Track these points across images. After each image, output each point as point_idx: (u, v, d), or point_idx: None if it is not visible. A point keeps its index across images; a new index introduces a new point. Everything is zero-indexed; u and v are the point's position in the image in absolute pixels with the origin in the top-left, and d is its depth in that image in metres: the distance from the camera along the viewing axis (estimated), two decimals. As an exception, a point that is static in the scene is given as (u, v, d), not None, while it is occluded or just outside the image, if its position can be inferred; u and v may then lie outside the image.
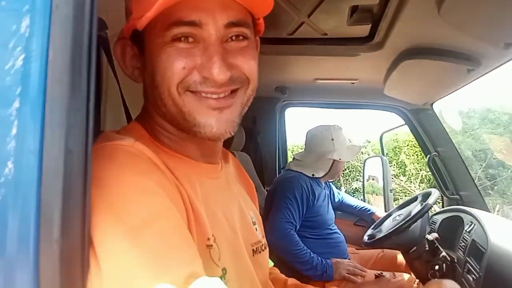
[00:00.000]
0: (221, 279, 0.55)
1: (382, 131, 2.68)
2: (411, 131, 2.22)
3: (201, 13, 0.54)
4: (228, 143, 1.97)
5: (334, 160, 1.87)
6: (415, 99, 2.03)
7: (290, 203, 1.72)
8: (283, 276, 0.93)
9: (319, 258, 1.65)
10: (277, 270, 0.94)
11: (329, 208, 1.91)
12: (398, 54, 1.54)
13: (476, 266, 1.31)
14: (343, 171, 9.96)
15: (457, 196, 2.06)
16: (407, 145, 9.44)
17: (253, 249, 0.69)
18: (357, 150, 1.90)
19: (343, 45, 1.57)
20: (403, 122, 2.29)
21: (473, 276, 1.30)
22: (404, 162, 9.18)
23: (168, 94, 0.56)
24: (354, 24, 1.39)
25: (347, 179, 9.50)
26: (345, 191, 9.25)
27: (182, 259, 0.43)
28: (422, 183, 8.81)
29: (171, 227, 0.45)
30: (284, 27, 1.46)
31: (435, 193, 1.73)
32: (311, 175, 1.86)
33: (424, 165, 9.02)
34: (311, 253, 1.65)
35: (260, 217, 0.80)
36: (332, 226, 1.88)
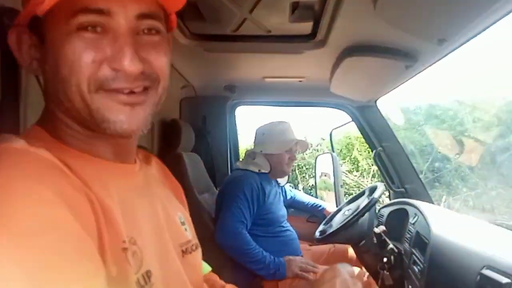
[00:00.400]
0: (145, 281, 0.52)
1: (332, 128, 2.73)
2: (358, 128, 2.27)
3: (111, 1, 0.50)
4: (176, 144, 1.90)
5: (268, 154, 1.87)
6: (359, 96, 2.08)
7: (240, 202, 1.69)
8: (221, 282, 0.90)
9: (272, 256, 1.63)
10: (215, 277, 0.91)
11: (280, 206, 1.90)
12: (340, 51, 1.55)
13: (421, 257, 1.35)
14: (300, 168, 10.14)
15: (403, 189, 2.13)
16: (359, 142, 9.79)
17: (182, 250, 0.66)
18: (289, 144, 1.86)
19: (287, 42, 1.57)
20: (351, 119, 2.34)
21: (418, 267, 1.34)
22: (356, 158, 9.51)
23: (77, 90, 0.51)
24: (296, 21, 1.39)
25: (304, 176, 9.68)
26: (302, 188, 9.42)
27: (72, 275, 0.38)
28: (374, 177, 9.20)
29: (64, 240, 0.40)
30: (227, 24, 1.43)
31: (381, 187, 1.78)
32: (257, 171, 1.85)
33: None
34: (263, 251, 1.63)
35: (190, 218, 0.77)
36: (284, 224, 1.87)
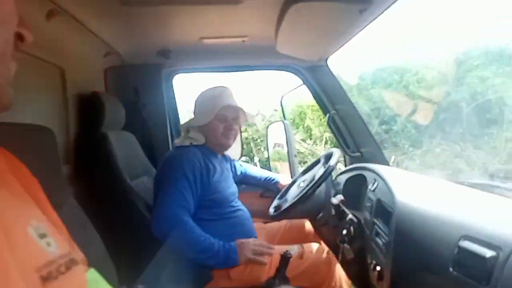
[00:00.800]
0: None
1: (282, 94, 2.53)
2: (310, 91, 2.08)
3: None
4: (98, 122, 1.59)
5: (201, 126, 1.64)
6: (309, 54, 1.87)
7: (179, 183, 1.44)
8: None
9: (220, 242, 1.42)
10: None
11: (229, 183, 1.68)
12: (283, -1, 1.33)
13: (384, 228, 1.21)
14: (255, 140, 10.05)
15: (358, 153, 2.01)
16: (311, 110, 9.85)
17: (42, 276, 0.42)
18: (214, 110, 1.58)
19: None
20: (301, 82, 2.14)
21: (382, 239, 1.20)
22: (309, 127, 9.58)
23: None
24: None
25: (259, 149, 9.59)
26: (259, 160, 9.34)
27: None
28: (327, 144, 9.34)
29: None
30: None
31: (337, 153, 1.62)
32: (199, 144, 1.62)
33: (326, 127, 9.57)
34: (211, 238, 1.41)
35: (60, 223, 0.56)
36: (235, 203, 1.66)
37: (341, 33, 1.55)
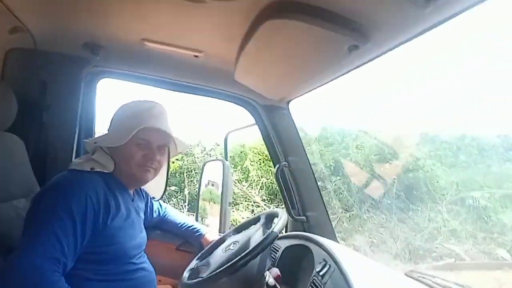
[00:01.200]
0: None
1: (228, 131, 2.19)
2: (261, 134, 1.77)
3: None
4: None
5: (111, 148, 1.22)
6: (270, 91, 1.58)
7: (60, 222, 0.98)
8: None
9: None
10: None
11: (136, 231, 1.24)
12: (260, 9, 1.02)
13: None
14: (189, 171, 9.54)
15: (304, 217, 1.70)
16: (252, 152, 9.72)
17: None
18: (132, 130, 1.16)
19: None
20: (252, 121, 1.83)
21: None
22: (248, 168, 9.38)
23: None
24: None
25: (192, 181, 9.08)
26: (188, 193, 8.78)
27: None
28: (261, 189, 9.16)
29: None
30: None
31: (283, 217, 1.28)
32: (105, 171, 1.18)
33: (265, 172, 9.44)
34: None
35: None
36: (138, 258, 1.23)
37: (317, 72, 1.27)
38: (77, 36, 1.46)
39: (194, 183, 9.15)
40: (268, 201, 9.03)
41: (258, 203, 8.89)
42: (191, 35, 1.35)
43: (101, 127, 1.60)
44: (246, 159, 9.47)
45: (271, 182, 9.29)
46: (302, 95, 1.59)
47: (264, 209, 8.32)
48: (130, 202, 1.25)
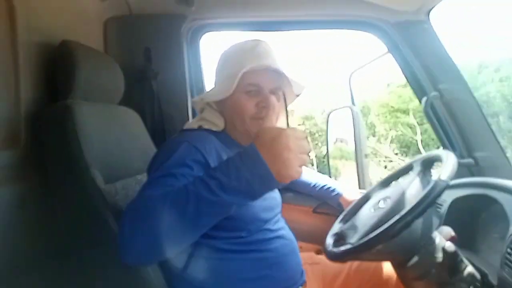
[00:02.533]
0: None
1: (351, 71, 1.86)
2: (397, 62, 1.39)
3: None
4: (65, 88, 1.03)
5: (218, 102, 1.02)
6: (403, 0, 1.20)
7: (169, 175, 0.78)
8: None
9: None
10: None
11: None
12: None
13: None
14: (312, 135, 9.43)
15: (471, 160, 1.30)
16: (377, 105, 9.07)
17: None
18: (236, 74, 0.94)
19: None
20: (379, 52, 1.47)
21: None
22: (373, 123, 8.80)
23: None
24: None
25: (316, 144, 8.94)
26: (315, 156, 8.66)
27: None
28: (392, 143, 8.50)
29: None
30: None
31: (450, 160, 0.94)
32: (216, 130, 1.01)
33: (394, 124, 8.68)
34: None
35: None
36: (274, 224, 1.04)
37: None
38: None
39: (318, 145, 9.00)
40: (402, 154, 8.32)
41: (390, 157, 8.26)
42: None
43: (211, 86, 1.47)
44: (369, 114, 8.88)
45: (401, 134, 8.53)
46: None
47: (399, 164, 7.65)
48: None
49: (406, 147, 8.48)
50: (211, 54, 1.63)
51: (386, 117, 8.93)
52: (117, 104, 1.25)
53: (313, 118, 9.42)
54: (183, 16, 1.44)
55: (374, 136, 8.80)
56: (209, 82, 1.60)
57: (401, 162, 7.66)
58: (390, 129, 8.67)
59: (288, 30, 1.54)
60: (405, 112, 8.24)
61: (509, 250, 0.81)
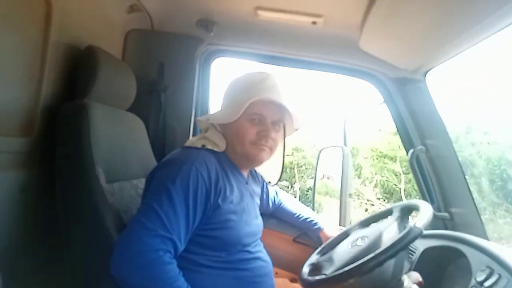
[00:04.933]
0: None
1: (347, 115, 1.96)
2: (391, 113, 1.50)
3: None
4: (81, 88, 1.10)
5: (223, 125, 1.11)
6: (403, 60, 1.32)
7: (170, 202, 0.90)
8: None
9: None
10: None
11: (251, 216, 1.12)
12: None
13: None
14: (299, 167, 9.47)
15: (446, 214, 1.39)
16: (365, 148, 9.21)
17: None
18: (244, 103, 1.03)
19: None
20: (375, 100, 1.57)
21: None
22: (360, 165, 8.92)
23: None
24: None
25: (302, 176, 9.02)
26: (299, 188, 8.72)
27: None
28: (376, 187, 8.60)
29: None
30: None
31: (426, 210, 1.02)
32: (217, 150, 1.08)
33: (380, 169, 8.83)
34: None
35: None
36: (254, 247, 1.11)
37: (461, 31, 0.98)
38: (191, 14, 1.42)
39: (304, 178, 9.06)
40: (384, 200, 8.42)
41: (372, 201, 8.36)
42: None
43: (216, 107, 1.55)
44: (357, 155, 9.01)
45: (386, 180, 8.65)
46: (444, 61, 1.29)
47: (379, 208, 7.74)
48: (243, 185, 1.13)
49: (389, 193, 8.58)
50: (220, 77, 1.73)
51: (373, 161, 9.07)
52: (126, 110, 1.32)
53: (303, 151, 9.53)
54: (200, 40, 1.54)
55: (359, 178, 8.90)
56: (214, 103, 1.69)
57: (382, 207, 7.75)
58: (376, 174, 8.79)
59: (294, 67, 1.65)
60: (393, 159, 8.40)
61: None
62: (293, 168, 8.97)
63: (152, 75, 1.54)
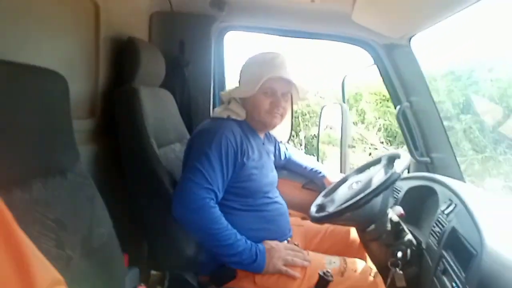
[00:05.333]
0: None
1: (345, 74, 2.19)
2: (381, 73, 1.74)
3: None
4: (130, 74, 1.37)
5: (243, 98, 1.39)
6: (390, 29, 1.53)
7: (209, 161, 1.21)
8: None
9: (248, 241, 1.20)
10: None
11: (268, 170, 1.42)
12: None
13: (458, 269, 0.92)
14: (303, 115, 9.68)
15: (428, 159, 1.67)
16: (368, 92, 9.26)
17: None
18: (258, 80, 1.29)
19: None
20: (370, 62, 1.80)
21: (453, 282, 0.91)
22: (364, 110, 9.05)
23: None
24: None
25: (306, 125, 9.26)
26: (304, 137, 9.03)
27: None
28: (379, 131, 8.81)
29: None
30: None
31: (405, 158, 1.30)
32: (239, 119, 1.37)
33: (383, 113, 9.00)
34: (237, 234, 1.19)
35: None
36: (272, 193, 1.42)
37: (437, 8, 1.19)
38: (205, -4, 1.62)
39: (308, 126, 9.30)
40: (387, 143, 8.68)
41: (376, 145, 8.62)
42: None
43: (230, 76, 1.80)
44: (361, 100, 9.12)
45: (389, 124, 8.84)
46: (425, 29, 1.50)
47: (383, 151, 8.04)
48: (261, 145, 1.42)
49: (392, 136, 8.81)
50: (232, 48, 1.96)
51: (376, 105, 9.18)
52: (159, 87, 1.58)
53: (306, 99, 9.65)
54: (214, 18, 1.76)
55: (363, 123, 9.07)
56: (228, 73, 1.94)
57: (385, 150, 8.02)
58: (379, 118, 8.96)
59: (295, 37, 1.89)
60: (396, 102, 8.51)
61: (433, 225, 1.18)
62: (298, 117, 9.18)
63: (175, 53, 1.77)
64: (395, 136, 8.94)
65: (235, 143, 1.26)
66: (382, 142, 8.66)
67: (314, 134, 8.18)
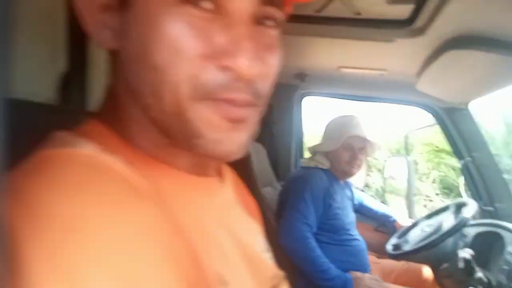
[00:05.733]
0: None
1: (408, 130, 2.45)
2: (443, 132, 1.98)
3: None
4: None
5: (326, 152, 1.71)
6: (451, 96, 1.80)
7: (304, 202, 1.53)
8: None
9: (337, 270, 1.46)
10: None
11: (348, 211, 1.71)
12: (441, 42, 1.30)
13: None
14: (370, 167, 9.70)
15: (492, 208, 1.84)
16: (421, 143, 9.16)
17: (273, 286, 0.48)
18: (340, 138, 1.64)
19: (377, 28, 1.35)
20: (430, 122, 2.06)
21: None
22: (416, 161, 8.91)
23: (174, 90, 0.35)
24: (395, 3, 1.17)
25: (367, 174, 9.28)
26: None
27: None
28: (433, 182, 8.58)
29: None
30: (311, 3, 1.24)
31: (472, 205, 1.52)
32: (321, 168, 1.69)
33: (437, 164, 8.82)
34: (329, 263, 1.46)
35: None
36: (352, 231, 1.67)
37: (494, 82, 1.46)
38: (291, 69, 2.00)
39: (368, 175, 9.27)
40: (443, 195, 8.41)
41: (431, 197, 8.38)
42: (379, 60, 1.69)
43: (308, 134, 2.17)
44: (412, 151, 8.99)
45: (444, 175, 8.60)
46: (482, 96, 1.75)
47: (439, 204, 7.83)
48: (342, 190, 1.71)
49: (448, 188, 8.54)
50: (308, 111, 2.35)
51: (429, 156, 9.03)
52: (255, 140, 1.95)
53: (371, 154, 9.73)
54: (296, 86, 2.16)
55: (416, 173, 8.88)
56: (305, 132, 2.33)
57: (441, 203, 7.79)
58: (433, 169, 8.77)
59: (367, 102, 2.22)
60: (449, 153, 8.37)
61: (501, 263, 1.36)
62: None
63: (266, 114, 2.15)
64: (451, 189, 8.65)
65: (323, 188, 1.57)
66: (438, 194, 8.41)
67: (365, 183, 8.15)
